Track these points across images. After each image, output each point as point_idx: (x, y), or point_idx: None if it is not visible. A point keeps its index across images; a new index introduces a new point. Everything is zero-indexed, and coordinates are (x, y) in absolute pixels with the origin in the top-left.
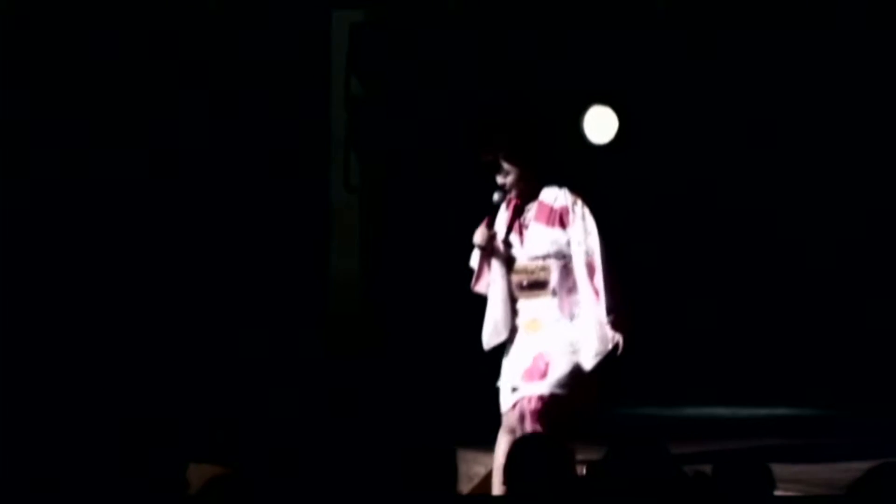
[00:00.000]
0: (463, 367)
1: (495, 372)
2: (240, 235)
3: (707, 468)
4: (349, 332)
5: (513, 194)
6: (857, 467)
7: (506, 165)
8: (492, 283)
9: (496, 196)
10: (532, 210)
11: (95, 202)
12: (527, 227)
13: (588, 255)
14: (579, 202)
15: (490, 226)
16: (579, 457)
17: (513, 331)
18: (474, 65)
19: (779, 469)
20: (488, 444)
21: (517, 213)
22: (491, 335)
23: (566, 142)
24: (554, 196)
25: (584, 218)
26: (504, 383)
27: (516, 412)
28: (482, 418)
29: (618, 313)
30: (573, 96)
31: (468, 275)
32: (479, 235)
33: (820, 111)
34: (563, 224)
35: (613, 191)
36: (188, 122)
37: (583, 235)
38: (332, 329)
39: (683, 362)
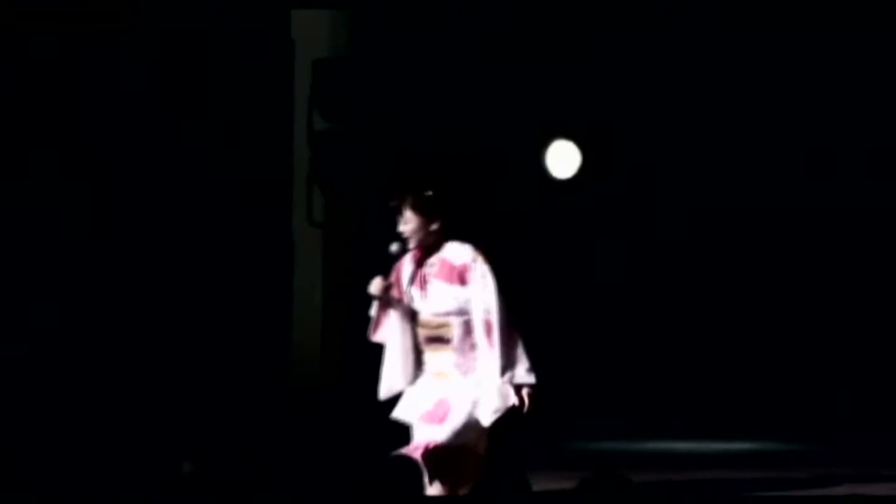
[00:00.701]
0: None
1: None
2: (201, 267)
3: None
4: (311, 366)
5: (413, 245)
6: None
7: (407, 213)
8: (390, 334)
9: (394, 246)
10: (435, 266)
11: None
12: (429, 282)
13: (486, 312)
14: (479, 259)
15: (388, 276)
16: (548, 487)
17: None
18: (436, 99)
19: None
20: None
21: (419, 266)
22: (388, 386)
23: (520, 180)
24: (457, 253)
25: (483, 276)
26: (401, 416)
27: (408, 450)
28: None
29: (516, 373)
30: (535, 129)
31: None
32: (375, 285)
33: (795, 134)
34: (462, 281)
35: (576, 225)
36: (150, 150)
37: (481, 293)
38: (294, 362)
39: (645, 396)
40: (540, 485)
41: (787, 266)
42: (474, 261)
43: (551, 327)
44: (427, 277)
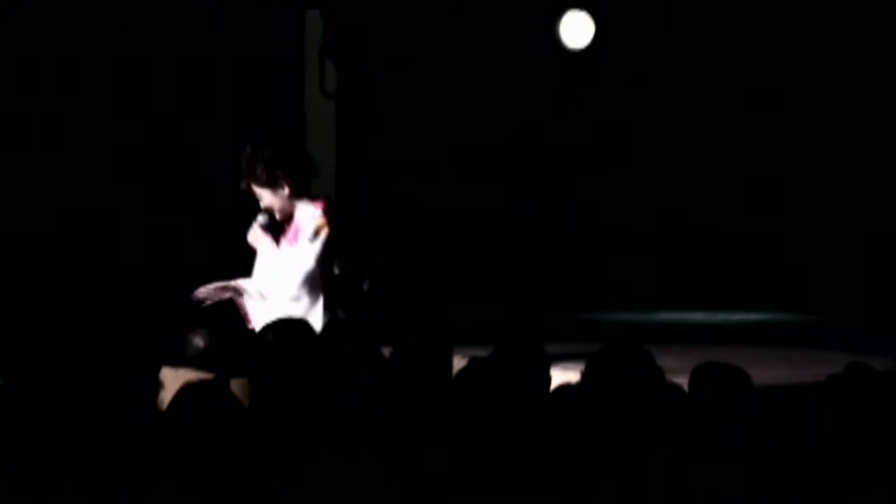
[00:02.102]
0: (437, 275)
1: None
2: (214, 137)
3: (682, 377)
4: None
5: (279, 217)
6: (824, 372)
7: (256, 192)
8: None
9: (260, 218)
10: (289, 229)
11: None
12: (280, 246)
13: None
14: (317, 226)
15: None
16: (561, 362)
17: None
18: None
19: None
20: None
21: (279, 231)
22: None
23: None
24: (303, 214)
25: (312, 241)
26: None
27: None
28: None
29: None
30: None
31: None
32: (252, 235)
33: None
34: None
35: (587, 97)
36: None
37: (307, 257)
38: None
39: (659, 267)
40: (555, 353)
41: (801, 143)
42: (312, 219)
43: (565, 198)
44: (280, 242)
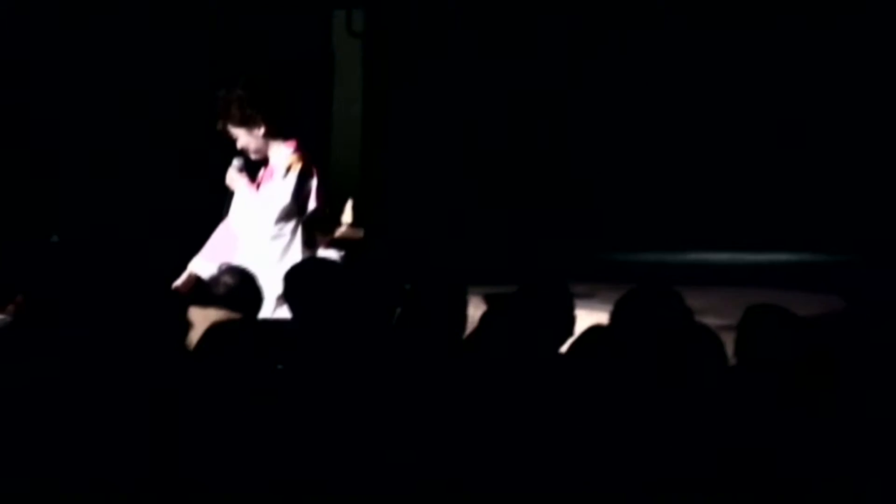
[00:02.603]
0: (465, 216)
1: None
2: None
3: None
4: (350, 177)
5: (254, 157)
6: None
7: (232, 132)
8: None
9: (235, 161)
10: (266, 171)
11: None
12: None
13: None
14: (288, 163)
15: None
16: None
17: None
18: None
19: None
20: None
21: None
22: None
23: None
24: (276, 154)
25: (284, 177)
26: None
27: None
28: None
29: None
30: None
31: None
32: (229, 176)
33: None
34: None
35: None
36: None
37: (281, 194)
38: (332, 173)
39: (686, 207)
40: (582, 295)
41: (835, 80)
42: (285, 158)
43: (591, 137)
44: (261, 183)
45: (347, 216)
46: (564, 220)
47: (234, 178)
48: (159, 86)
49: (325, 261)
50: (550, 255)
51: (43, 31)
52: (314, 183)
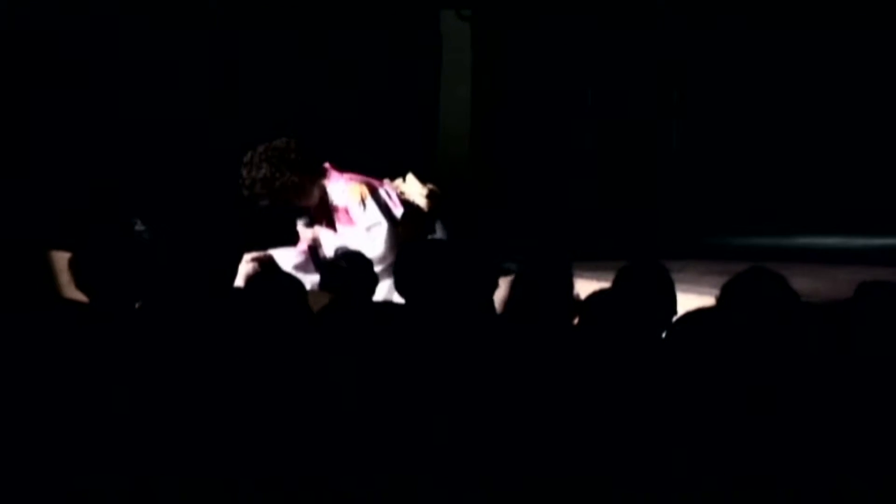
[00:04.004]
0: (571, 196)
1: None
2: (350, 61)
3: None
4: (460, 157)
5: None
6: None
7: (294, 201)
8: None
9: (301, 221)
10: (336, 213)
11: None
12: (337, 228)
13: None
14: (357, 195)
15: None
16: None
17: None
18: None
19: None
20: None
21: (325, 216)
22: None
23: None
24: (339, 193)
25: (364, 208)
26: None
27: None
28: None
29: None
30: None
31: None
32: (305, 235)
33: None
34: (351, 221)
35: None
36: None
37: (371, 221)
38: (441, 155)
39: (797, 190)
40: (689, 278)
41: None
42: (351, 198)
43: (701, 121)
44: (335, 224)
45: (415, 185)
46: (672, 201)
47: (314, 233)
48: (251, 81)
49: (434, 243)
50: (656, 237)
51: (137, 30)
52: (384, 192)
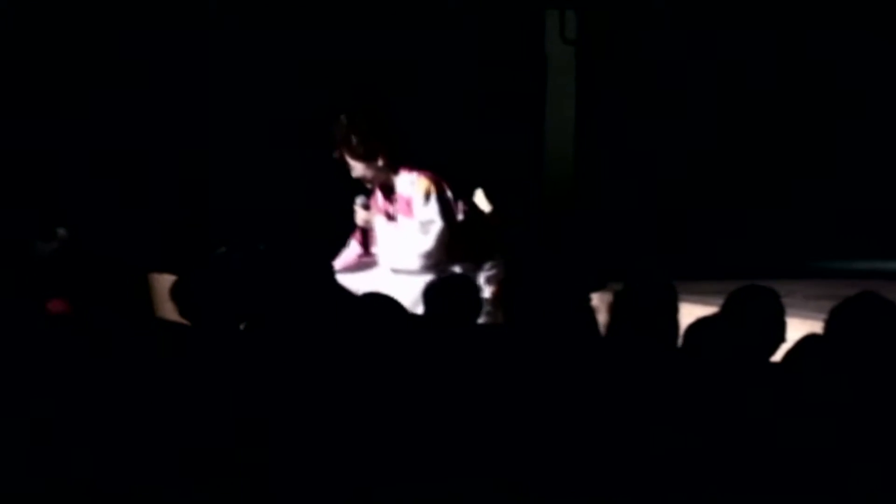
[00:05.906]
0: (675, 216)
1: None
2: (452, 86)
3: None
4: (564, 182)
5: (372, 188)
6: None
7: (350, 162)
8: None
9: (359, 199)
10: (397, 202)
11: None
12: (396, 219)
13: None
14: (423, 188)
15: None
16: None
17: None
18: None
19: None
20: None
21: (389, 204)
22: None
23: None
24: (405, 184)
25: (426, 203)
26: None
27: None
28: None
29: None
30: None
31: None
32: (361, 217)
33: None
34: (412, 213)
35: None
36: None
37: (428, 217)
38: (546, 178)
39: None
40: (794, 300)
41: None
42: (419, 190)
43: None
44: (394, 214)
45: (483, 203)
46: (775, 224)
47: (367, 216)
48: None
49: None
50: (760, 260)
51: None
52: (450, 196)
